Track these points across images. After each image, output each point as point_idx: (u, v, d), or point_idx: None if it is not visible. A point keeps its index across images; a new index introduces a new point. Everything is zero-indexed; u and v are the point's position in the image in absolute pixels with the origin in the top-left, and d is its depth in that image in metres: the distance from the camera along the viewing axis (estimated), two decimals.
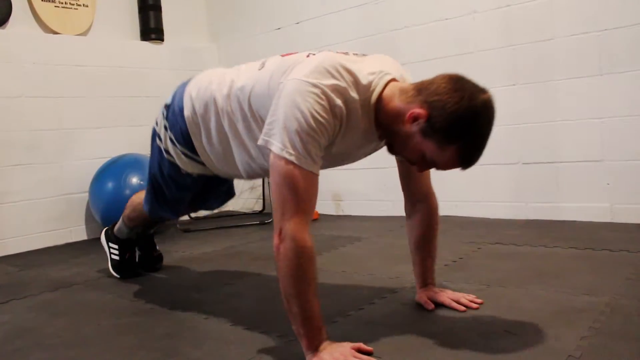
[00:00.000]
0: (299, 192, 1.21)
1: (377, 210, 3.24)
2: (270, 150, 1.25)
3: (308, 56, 1.36)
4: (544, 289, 1.68)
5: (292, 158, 1.20)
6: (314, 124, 1.20)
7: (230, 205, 4.28)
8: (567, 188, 2.72)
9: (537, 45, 2.74)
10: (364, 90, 1.30)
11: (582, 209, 2.66)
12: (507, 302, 1.59)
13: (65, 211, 3.32)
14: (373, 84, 1.31)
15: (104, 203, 3.14)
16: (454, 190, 3.09)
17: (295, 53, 1.46)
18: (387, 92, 1.32)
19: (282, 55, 1.48)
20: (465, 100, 1.21)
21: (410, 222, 1.64)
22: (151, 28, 3.81)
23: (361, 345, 1.27)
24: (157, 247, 2.41)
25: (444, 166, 1.29)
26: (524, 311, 1.50)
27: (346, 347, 1.24)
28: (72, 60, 3.39)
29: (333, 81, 1.24)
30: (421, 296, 1.61)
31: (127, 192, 3.10)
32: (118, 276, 2.27)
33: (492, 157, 2.94)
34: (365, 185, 3.36)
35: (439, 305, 1.57)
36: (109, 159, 3.34)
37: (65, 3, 3.42)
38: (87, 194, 3.32)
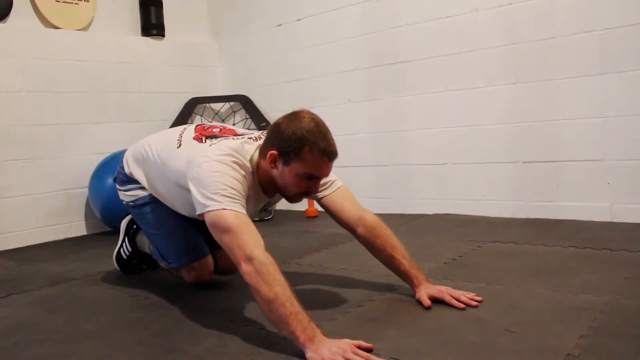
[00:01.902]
0: (243, 228, 1.42)
1: (378, 208, 3.24)
2: (207, 212, 1.46)
3: (210, 146, 1.63)
4: (543, 288, 1.69)
5: (229, 207, 1.44)
6: (235, 182, 1.49)
7: None
8: (567, 187, 2.72)
9: (539, 43, 2.73)
10: (250, 164, 1.60)
11: (582, 208, 2.66)
12: (506, 301, 1.59)
13: (65, 206, 3.32)
14: (254, 158, 1.61)
15: (104, 198, 3.14)
16: (455, 189, 3.09)
17: (204, 134, 1.74)
18: (256, 157, 1.62)
19: (195, 131, 1.77)
20: (290, 119, 1.53)
21: (366, 246, 1.73)
22: (152, 24, 3.80)
23: (361, 342, 1.27)
24: None
25: (318, 170, 1.54)
26: (523, 309, 1.51)
27: (345, 344, 1.24)
28: (72, 55, 3.39)
29: (234, 158, 1.54)
30: (421, 294, 1.61)
31: None
32: (117, 268, 2.27)
33: (493, 155, 2.95)
34: (365, 183, 3.36)
35: (439, 302, 1.57)
36: (109, 154, 3.34)
37: None
38: (86, 190, 3.32)
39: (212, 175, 1.49)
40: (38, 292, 2.09)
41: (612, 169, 2.58)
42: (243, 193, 1.51)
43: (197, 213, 1.51)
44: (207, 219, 1.46)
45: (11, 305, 1.94)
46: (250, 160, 1.60)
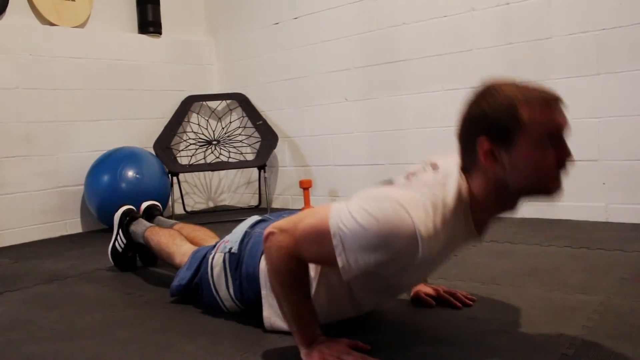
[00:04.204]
0: (318, 242, 1.15)
1: None
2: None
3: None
4: (538, 288, 1.69)
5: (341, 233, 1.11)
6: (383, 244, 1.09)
7: (227, 200, 4.28)
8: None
9: (535, 43, 2.74)
10: (454, 200, 1.14)
11: (578, 208, 2.67)
12: (501, 300, 1.59)
13: (61, 204, 3.31)
14: (461, 187, 1.16)
15: (100, 196, 3.14)
16: None
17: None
18: (464, 184, 1.18)
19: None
20: (485, 96, 1.15)
21: None
22: (149, 21, 3.80)
23: (358, 342, 1.26)
24: None
25: (556, 123, 1.10)
26: (518, 309, 1.51)
27: (342, 344, 1.24)
28: (69, 52, 3.38)
29: (433, 197, 1.12)
30: (417, 293, 1.61)
31: (123, 185, 3.10)
32: (112, 262, 2.26)
33: None
34: (360, 181, 3.36)
35: (434, 301, 1.57)
36: (104, 152, 3.33)
37: None
38: (82, 187, 3.31)
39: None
40: (33, 289, 2.09)
41: (607, 169, 2.58)
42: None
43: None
44: (327, 217, 1.14)
45: (5, 302, 1.93)
46: (457, 197, 1.15)
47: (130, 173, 3.14)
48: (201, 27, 4.26)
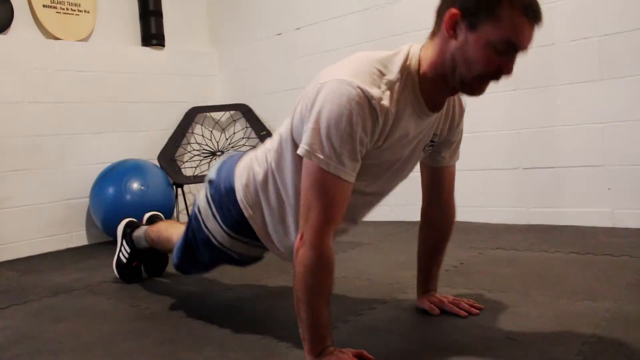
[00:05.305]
0: (332, 196, 1.21)
1: (377, 215, 3.24)
2: (307, 160, 1.22)
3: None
4: (545, 295, 1.68)
5: (332, 169, 1.18)
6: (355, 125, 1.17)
7: None
8: (568, 193, 2.71)
9: (538, 50, 2.73)
10: (402, 71, 1.24)
11: (583, 214, 2.66)
12: (508, 308, 1.58)
13: (66, 216, 3.32)
14: (410, 58, 1.27)
15: (105, 208, 3.14)
16: (455, 195, 3.08)
17: None
18: (415, 55, 1.28)
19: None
20: None
21: (426, 228, 1.63)
22: (152, 34, 3.82)
23: (363, 352, 1.26)
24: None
25: (519, 36, 1.16)
26: (525, 317, 1.50)
27: (347, 354, 1.24)
28: (73, 65, 3.40)
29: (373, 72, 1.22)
30: (423, 302, 1.60)
31: (128, 197, 3.11)
32: (118, 275, 2.26)
33: (493, 162, 2.95)
34: None
35: (440, 310, 1.57)
36: (109, 164, 3.34)
37: (67, 9, 3.43)
38: (87, 199, 3.32)
39: (331, 112, 1.17)
40: (39, 302, 2.09)
41: (612, 174, 2.57)
42: (368, 131, 1.18)
43: (299, 151, 1.22)
44: (305, 163, 1.22)
45: (12, 316, 1.94)
46: (403, 67, 1.24)
47: (135, 185, 3.15)
48: (204, 38, 4.29)
